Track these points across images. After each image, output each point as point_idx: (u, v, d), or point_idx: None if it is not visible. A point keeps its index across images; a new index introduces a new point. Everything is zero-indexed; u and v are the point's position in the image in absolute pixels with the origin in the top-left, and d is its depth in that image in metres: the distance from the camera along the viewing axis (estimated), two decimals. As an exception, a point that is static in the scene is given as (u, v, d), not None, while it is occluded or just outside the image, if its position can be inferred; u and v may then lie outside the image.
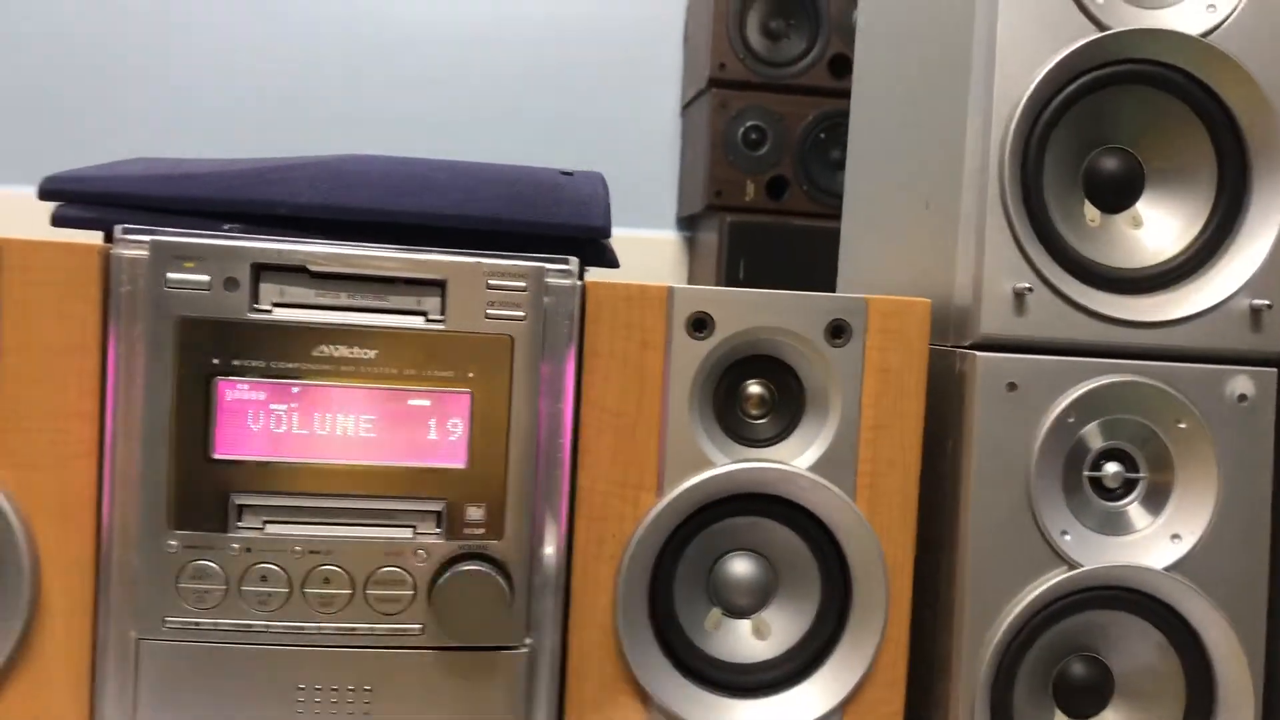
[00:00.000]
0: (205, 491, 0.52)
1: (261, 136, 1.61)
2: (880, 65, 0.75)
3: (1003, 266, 0.56)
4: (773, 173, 1.90)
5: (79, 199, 0.56)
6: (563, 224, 0.57)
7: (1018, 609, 0.56)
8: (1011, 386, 0.56)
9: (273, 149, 0.81)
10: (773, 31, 1.91)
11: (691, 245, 2.11)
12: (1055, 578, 0.56)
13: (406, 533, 0.53)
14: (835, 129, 1.94)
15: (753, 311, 0.54)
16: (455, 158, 0.65)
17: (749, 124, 1.89)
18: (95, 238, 0.53)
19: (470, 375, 0.53)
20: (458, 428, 0.53)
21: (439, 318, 0.53)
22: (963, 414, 0.57)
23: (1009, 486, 0.56)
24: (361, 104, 1.79)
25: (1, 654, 0.49)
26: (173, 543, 0.52)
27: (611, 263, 0.60)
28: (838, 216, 2.05)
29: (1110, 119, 0.58)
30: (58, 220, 0.56)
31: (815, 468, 0.55)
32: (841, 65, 1.81)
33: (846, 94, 0.85)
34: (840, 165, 1.96)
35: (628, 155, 2.09)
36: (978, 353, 0.56)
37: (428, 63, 1.88)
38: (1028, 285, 0.55)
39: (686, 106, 2.10)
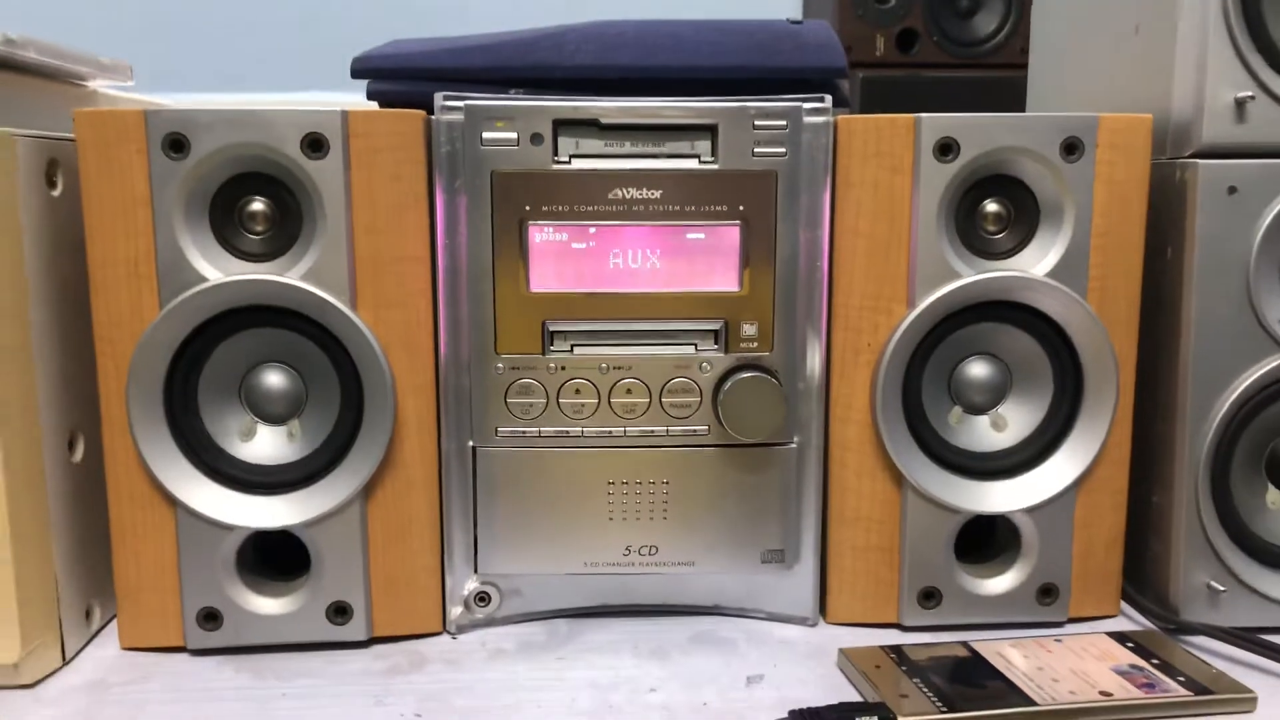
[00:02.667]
0: (523, 321, 0.61)
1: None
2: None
3: (1224, 77, 0.60)
4: (902, 25, 1.90)
5: (385, 75, 0.64)
6: (808, 67, 0.63)
7: (1236, 392, 0.62)
8: (1232, 190, 0.61)
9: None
10: (901, -121, 1.87)
11: (823, 104, 2.10)
12: (1272, 362, 0.62)
13: (690, 349, 0.62)
14: (963, -23, 1.92)
15: (994, 133, 0.60)
16: (582, 11, 0.70)
17: (877, -23, 1.88)
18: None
19: (740, 209, 0.61)
20: (731, 255, 0.61)
21: (711, 159, 0.60)
22: (1183, 219, 0.62)
23: (1228, 281, 0.61)
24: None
25: (378, 456, 0.60)
26: (499, 365, 0.61)
27: (845, 101, 0.66)
28: (969, 66, 2.03)
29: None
30: (372, 94, 0.64)
31: (1051, 274, 0.61)
32: (971, -90, 1.78)
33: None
34: (969, 14, 1.95)
35: (750, 15, 2.10)
36: (1199, 160, 0.61)
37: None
38: (1250, 94, 0.60)
39: (810, -37, 2.09)
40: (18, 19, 0.57)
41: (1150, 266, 0.63)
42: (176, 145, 0.57)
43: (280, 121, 0.57)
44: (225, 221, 0.59)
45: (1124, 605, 0.66)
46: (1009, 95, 0.94)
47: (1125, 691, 0.54)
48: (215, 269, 0.58)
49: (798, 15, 2.15)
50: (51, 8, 1.75)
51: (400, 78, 0.64)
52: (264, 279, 0.58)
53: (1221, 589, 0.63)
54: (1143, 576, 0.67)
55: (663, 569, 0.64)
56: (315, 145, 0.57)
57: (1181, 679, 0.56)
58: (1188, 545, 0.63)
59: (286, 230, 0.59)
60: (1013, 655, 0.59)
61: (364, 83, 0.65)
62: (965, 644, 0.60)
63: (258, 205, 0.59)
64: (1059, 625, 0.64)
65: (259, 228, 0.59)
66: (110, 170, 0.57)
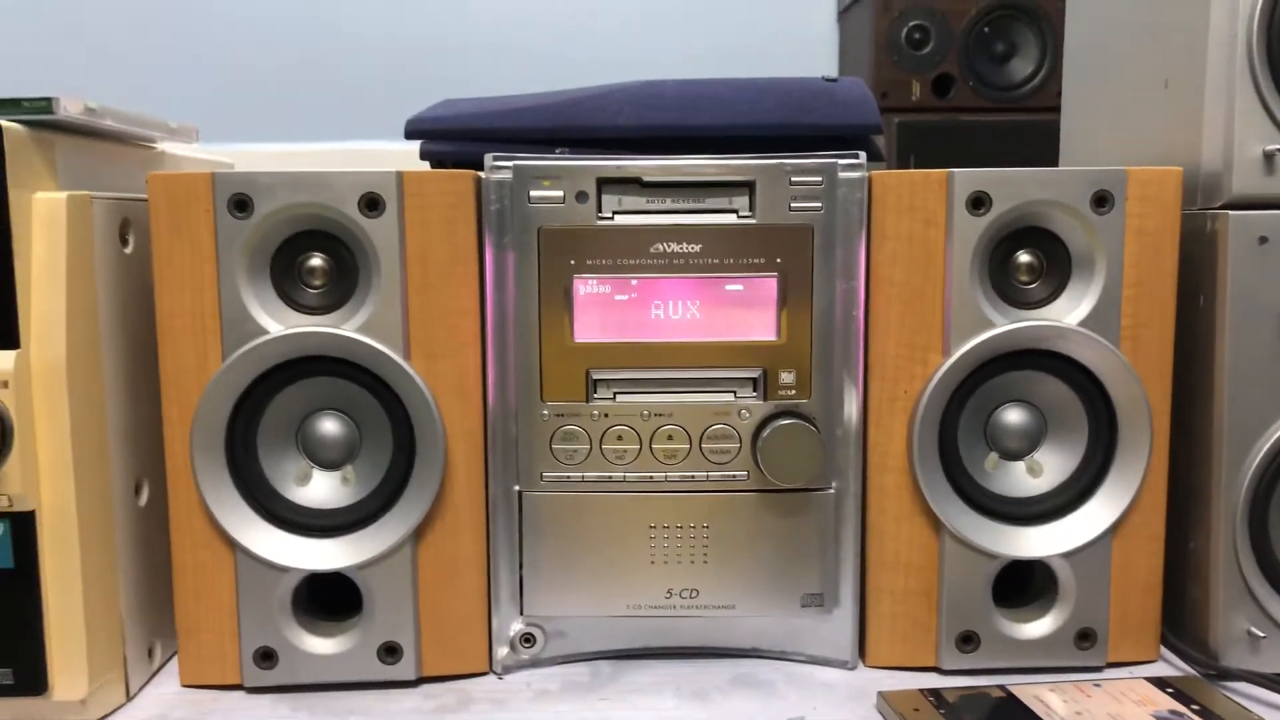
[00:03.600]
0: (568, 369, 0.63)
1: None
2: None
3: (1252, 131, 0.62)
4: (938, 71, 1.92)
5: (436, 135, 0.67)
6: (843, 125, 0.66)
7: (1273, 439, 0.62)
8: (1263, 240, 0.62)
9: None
10: (933, -73, 1.91)
11: (860, 149, 2.13)
12: (1308, 409, 0.62)
13: (729, 396, 0.64)
14: (998, 23, 1.95)
15: (1025, 187, 0.61)
16: (623, 70, 0.72)
17: (912, 24, 1.92)
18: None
19: (778, 261, 0.63)
20: (769, 306, 0.63)
21: (749, 213, 0.63)
22: (1214, 269, 0.63)
23: (1260, 329, 0.62)
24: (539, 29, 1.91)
25: (429, 500, 0.62)
26: (545, 412, 0.63)
27: (879, 155, 0.68)
28: (1005, 110, 2.05)
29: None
30: (425, 155, 0.67)
31: (1083, 323, 0.62)
32: (1004, -44, 1.81)
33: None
34: (1004, 59, 1.97)
35: (785, 65, 2.13)
36: (1230, 211, 0.62)
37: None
38: (1278, 147, 0.61)
39: (844, 11, 2.13)
40: (83, 75, 0.60)
41: (1183, 315, 0.64)
42: (241, 205, 0.60)
43: (339, 182, 0.60)
44: (285, 276, 0.62)
45: (1164, 651, 0.67)
46: (1045, 139, 0.96)
47: (1164, 737, 0.55)
48: (276, 322, 0.61)
49: (834, 63, 2.18)
50: (121, 68, 1.83)
51: (451, 138, 0.67)
52: (322, 331, 0.61)
53: (1262, 635, 0.63)
54: (1182, 622, 0.67)
55: (703, 612, 0.65)
56: (372, 204, 0.60)
57: (1221, 725, 0.56)
58: (1226, 591, 0.64)
59: (343, 285, 0.62)
60: (1051, 699, 0.59)
61: (419, 148, 0.69)
62: (1003, 688, 0.61)
63: (316, 261, 0.62)
64: (1098, 670, 0.65)
65: (317, 282, 0.62)
66: (179, 229, 0.60)
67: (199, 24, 1.86)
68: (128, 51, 1.84)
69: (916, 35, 1.91)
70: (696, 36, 2.04)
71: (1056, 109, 0.90)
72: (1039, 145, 1.08)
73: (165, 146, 0.74)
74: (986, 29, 1.92)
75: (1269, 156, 0.61)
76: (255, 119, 1.82)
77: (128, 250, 0.63)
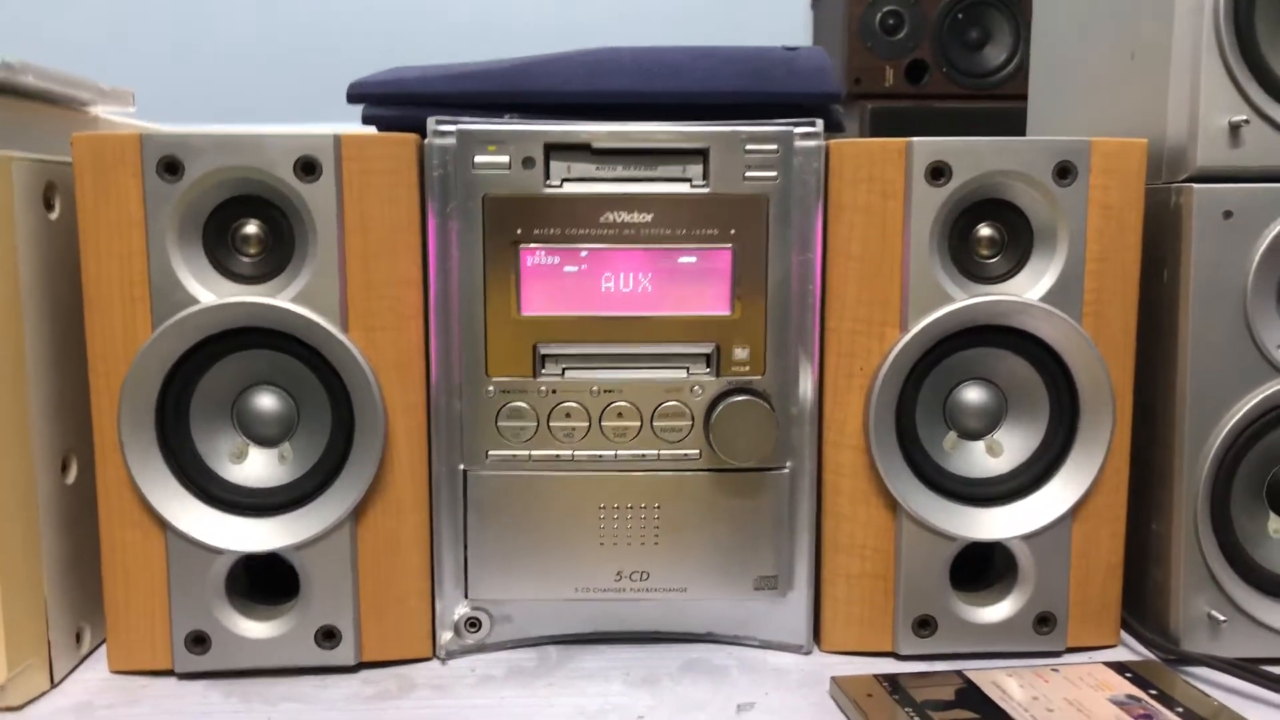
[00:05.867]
0: (514, 344, 0.61)
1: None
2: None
3: (1218, 102, 0.60)
4: (911, 57, 1.90)
5: (380, 100, 0.65)
6: (803, 93, 0.63)
7: (1235, 418, 0.61)
8: (1227, 214, 0.60)
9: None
10: (907, -89, 1.89)
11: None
12: (1271, 387, 0.61)
13: (681, 373, 0.62)
14: (971, 9, 1.93)
15: (986, 157, 0.60)
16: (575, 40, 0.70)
17: (885, 9, 1.90)
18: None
19: (731, 232, 0.60)
20: (722, 279, 0.61)
21: (702, 183, 0.60)
22: (1178, 243, 0.61)
23: (1225, 306, 0.61)
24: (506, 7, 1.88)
25: (369, 479, 0.60)
26: (490, 388, 0.61)
27: (839, 125, 0.66)
28: (979, 97, 2.04)
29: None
30: (367, 119, 0.65)
31: (1045, 299, 0.61)
32: (979, -58, 1.79)
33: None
34: (978, 46, 1.95)
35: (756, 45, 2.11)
36: (1194, 185, 0.60)
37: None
38: (1244, 118, 0.59)
39: (817, -2, 2.11)
40: (25, 46, 0.58)
41: (1146, 291, 0.62)
42: (171, 168, 0.57)
43: (273, 145, 0.57)
44: (218, 244, 0.59)
45: (1124, 635, 0.65)
46: (1018, 126, 0.94)
47: (1121, 722, 0.53)
48: (208, 291, 0.58)
49: (808, 47, 2.16)
50: (57, 39, 1.78)
51: (395, 103, 0.65)
52: (256, 301, 0.58)
53: (1222, 619, 0.62)
54: (1143, 606, 0.66)
55: (654, 595, 0.63)
56: (308, 168, 0.58)
57: (1180, 710, 0.55)
58: (1188, 574, 0.62)
59: (279, 253, 0.59)
60: (1008, 685, 0.58)
61: (361, 112, 0.66)
62: (960, 673, 0.59)
63: (250, 228, 0.59)
64: (1057, 655, 0.63)
65: (252, 250, 0.59)
66: (106, 193, 0.57)
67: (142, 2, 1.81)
68: (68, 27, 1.79)
69: (890, 21, 1.89)
70: (666, 23, 2.02)
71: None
72: (1012, 132, 1.06)
73: (100, 111, 0.71)
74: (960, 15, 1.91)
75: (1234, 128, 0.60)
76: (200, 100, 1.78)
77: (53, 215, 0.60)
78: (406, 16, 1.90)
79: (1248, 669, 0.58)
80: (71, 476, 0.61)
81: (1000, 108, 1.87)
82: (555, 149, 0.60)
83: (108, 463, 0.59)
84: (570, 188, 0.60)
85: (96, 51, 1.77)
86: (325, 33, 1.88)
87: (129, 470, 0.59)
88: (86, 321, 0.58)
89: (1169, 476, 0.63)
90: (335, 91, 0.72)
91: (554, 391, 0.61)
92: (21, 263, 0.56)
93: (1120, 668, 0.60)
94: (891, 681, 0.58)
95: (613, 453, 0.62)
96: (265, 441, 0.61)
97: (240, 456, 0.61)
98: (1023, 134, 0.88)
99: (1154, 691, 0.57)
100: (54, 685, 0.59)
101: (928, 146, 0.59)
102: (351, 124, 0.71)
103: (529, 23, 1.93)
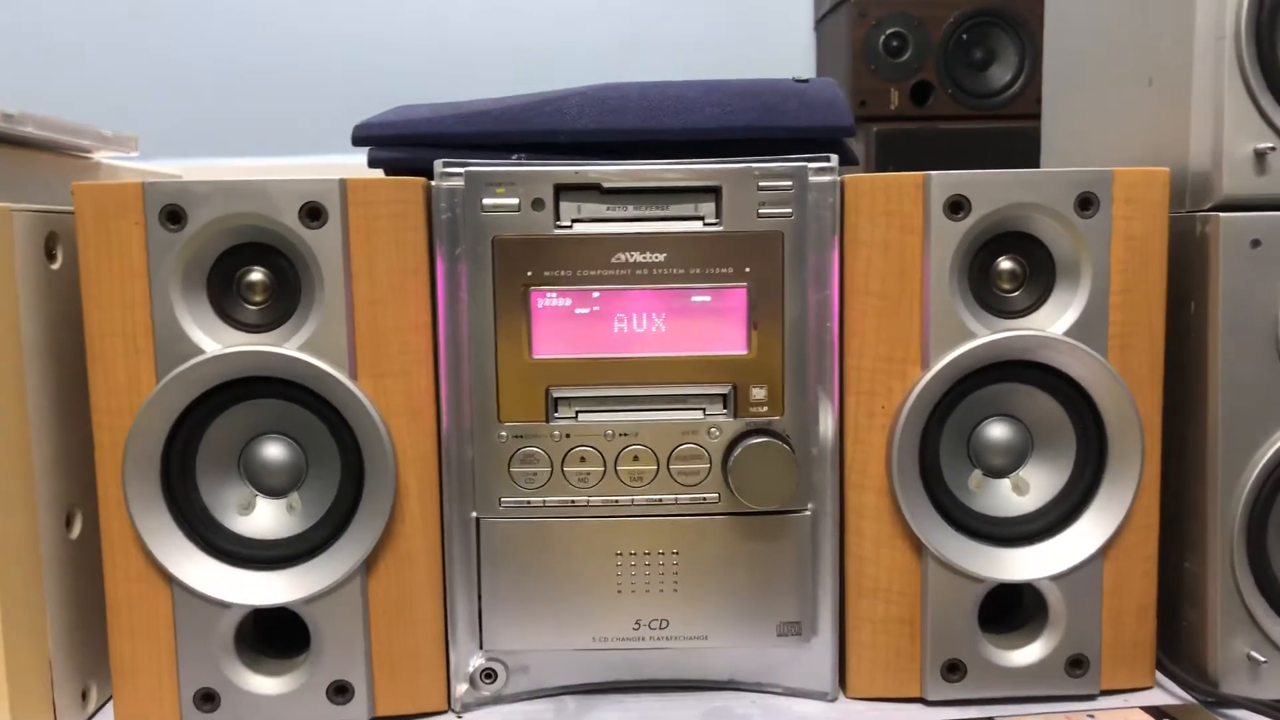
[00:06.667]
0: (527, 388, 0.59)
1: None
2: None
3: (1242, 129, 0.59)
4: (916, 78, 1.90)
5: (386, 142, 0.64)
6: (813, 126, 0.62)
7: (1270, 452, 0.59)
8: (1255, 243, 0.59)
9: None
10: (909, -66, 1.89)
11: (838, 158, 2.11)
12: (1306, 421, 0.59)
13: (698, 414, 0.60)
14: (975, 30, 1.93)
15: (1006, 189, 0.58)
16: (593, 79, 0.69)
17: (889, 31, 1.89)
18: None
19: (746, 270, 0.59)
20: (738, 317, 0.59)
21: (715, 220, 0.59)
22: (1205, 273, 0.60)
23: (1255, 337, 0.59)
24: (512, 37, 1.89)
25: (379, 528, 0.58)
26: (503, 434, 0.60)
27: (853, 159, 0.65)
28: (984, 118, 2.03)
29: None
30: (373, 162, 0.63)
31: (1069, 333, 0.59)
32: (980, -38, 1.79)
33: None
34: (983, 66, 1.94)
35: (761, 74, 2.11)
36: (1220, 214, 0.59)
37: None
38: (1270, 145, 0.58)
39: (821, 20, 2.10)
40: (23, 91, 0.57)
41: (1173, 323, 0.61)
42: (174, 217, 0.56)
43: (278, 191, 0.56)
44: (223, 292, 0.58)
45: (1160, 677, 0.63)
46: (1024, 146, 0.93)
47: (1163, 773, 0.51)
48: (213, 340, 0.57)
49: (811, 71, 2.16)
50: (56, 77, 1.78)
51: (401, 144, 0.64)
52: (262, 350, 0.57)
53: (1262, 660, 0.60)
54: (1178, 646, 0.64)
55: (675, 643, 0.61)
56: (314, 214, 0.57)
57: (1223, 759, 0.53)
58: (1224, 614, 0.60)
59: (285, 300, 0.58)
60: (1042, 733, 0.56)
61: (367, 155, 0.65)
62: (992, 719, 0.57)
63: (256, 275, 0.58)
64: (1091, 699, 0.61)
65: (257, 298, 0.58)
66: (108, 242, 0.56)
67: (144, 33, 1.81)
68: (70, 63, 1.80)
69: (894, 43, 1.89)
70: (670, 46, 2.02)
71: (1036, 116, 0.87)
72: (1019, 152, 1.05)
73: (102, 158, 0.70)
74: (964, 36, 1.90)
75: (1260, 155, 0.59)
76: (202, 134, 1.77)
77: (55, 266, 0.59)
78: (409, 49, 1.90)
79: (1290, 713, 0.56)
80: (76, 531, 0.60)
81: (1007, 128, 1.87)
82: (565, 189, 0.59)
83: (112, 517, 0.58)
84: (581, 228, 0.59)
85: (100, 85, 1.77)
86: (329, 62, 1.88)
87: (133, 524, 0.57)
88: (90, 373, 0.57)
89: (1202, 513, 0.61)
90: (341, 122, 0.71)
91: (567, 435, 0.60)
92: (23, 314, 0.55)
93: (1157, 712, 0.58)
94: (921, 731, 0.56)
95: (629, 498, 0.60)
96: (273, 492, 0.60)
97: (248, 508, 0.59)
98: (1033, 155, 0.87)
99: (1194, 739, 0.55)
100: (59, 747, 0.58)
101: (946, 180, 0.58)
102: (357, 156, 0.70)
103: (532, 51, 1.93)
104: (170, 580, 0.58)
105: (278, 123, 1.82)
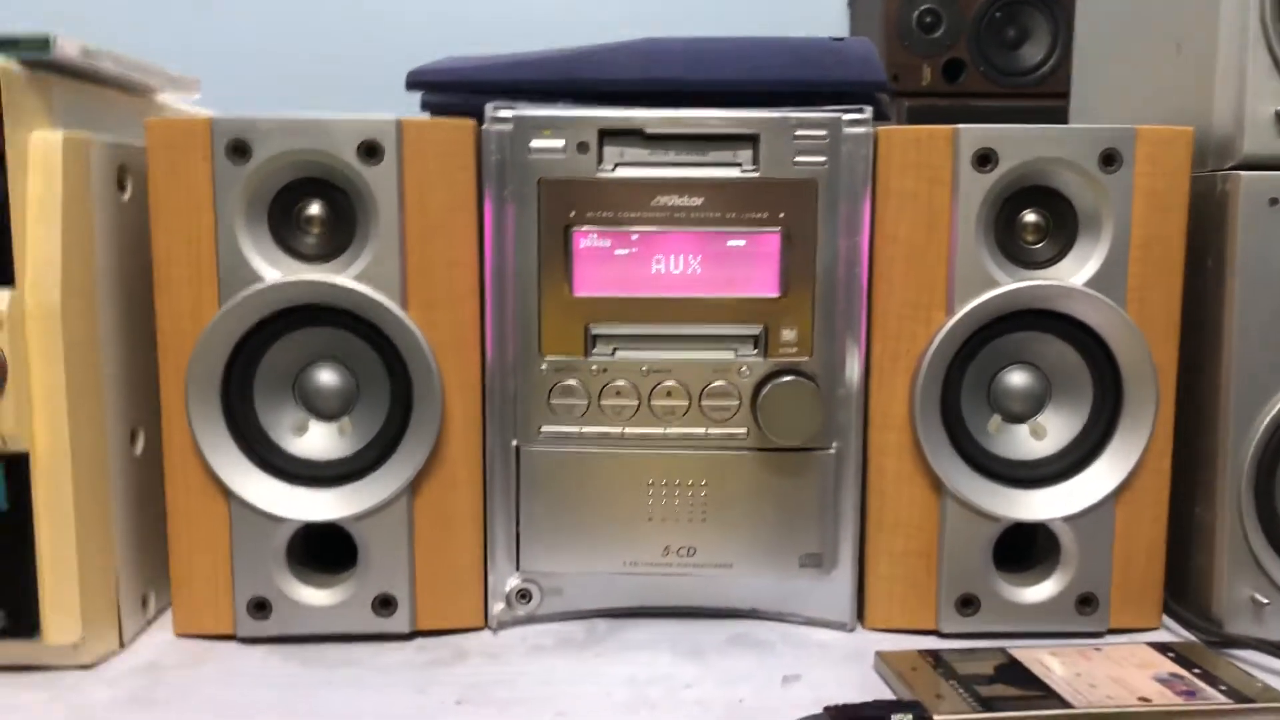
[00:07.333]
0: (567, 323, 0.62)
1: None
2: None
3: (1265, 90, 0.61)
4: (948, 55, 1.91)
5: (438, 87, 0.66)
6: (850, 80, 0.65)
7: (1279, 405, 0.62)
8: (1273, 201, 0.61)
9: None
10: (947, -90, 1.89)
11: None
12: (1317, 374, 0.61)
13: (729, 354, 0.63)
14: (1009, 8, 1.93)
15: (1032, 144, 0.61)
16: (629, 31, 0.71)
17: (923, 7, 1.90)
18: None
19: (780, 216, 0.62)
20: (771, 262, 0.62)
21: (752, 167, 0.62)
22: (1224, 230, 0.62)
23: (1270, 293, 0.61)
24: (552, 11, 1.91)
25: (425, 453, 0.61)
26: (544, 366, 0.63)
27: (885, 114, 0.67)
28: (1015, 95, 2.03)
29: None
30: (425, 106, 0.66)
31: (1089, 284, 0.62)
32: (1017, -58, 1.79)
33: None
34: (1015, 44, 1.95)
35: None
36: (1241, 172, 0.61)
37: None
38: (1291, 106, 0.60)
39: (856, -6, 2.11)
40: (95, 34, 0.60)
41: (1191, 277, 0.63)
42: (239, 150, 0.59)
43: (337, 129, 0.59)
44: (283, 224, 0.61)
45: (1166, 619, 0.66)
46: (1055, 124, 0.95)
47: (1164, 698, 0.54)
48: (273, 269, 0.61)
49: (854, 38, 2.17)
50: (124, 31, 1.83)
51: (453, 90, 0.66)
52: (319, 280, 0.60)
53: (1266, 602, 0.62)
54: (1185, 589, 0.66)
55: (701, 570, 0.64)
56: (370, 152, 0.60)
57: (1224, 688, 0.55)
58: (1231, 557, 0.63)
59: (341, 233, 0.61)
60: (1051, 662, 0.59)
61: (420, 99, 0.68)
62: (1003, 650, 0.60)
63: (314, 209, 0.61)
64: (1099, 635, 0.64)
65: (315, 230, 0.61)
66: (176, 174, 0.60)
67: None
68: (133, 13, 1.84)
69: (928, 19, 1.90)
70: (704, 19, 2.03)
71: (1067, 95, 0.89)
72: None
73: (166, 99, 0.73)
74: (998, 14, 1.91)
75: (1281, 116, 0.61)
76: (260, 91, 1.81)
77: (125, 197, 0.62)
78: (456, 17, 1.93)
79: (1291, 651, 0.59)
80: (140, 448, 0.64)
81: (1038, 106, 1.87)
82: (609, 134, 0.61)
83: (174, 435, 0.62)
84: (623, 172, 0.62)
85: (157, 41, 1.81)
86: (379, 26, 1.91)
87: (195, 441, 0.61)
88: (156, 298, 0.61)
89: (1213, 461, 0.63)
90: (391, 83, 0.74)
91: (605, 370, 0.63)
92: (96, 241, 0.59)
93: (1163, 648, 0.60)
94: (935, 657, 0.59)
95: (661, 430, 0.63)
96: (326, 416, 0.63)
97: (301, 430, 0.63)
98: (1064, 129, 0.89)
99: (1197, 670, 0.57)
100: (123, 646, 0.61)
101: (974, 133, 0.61)
102: (409, 115, 0.73)
103: (571, 22, 1.95)
104: (228, 495, 0.62)
105: (329, 82, 1.86)
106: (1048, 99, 1.88)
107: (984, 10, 1.91)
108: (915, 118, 1.89)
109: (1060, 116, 0.89)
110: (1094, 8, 0.84)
